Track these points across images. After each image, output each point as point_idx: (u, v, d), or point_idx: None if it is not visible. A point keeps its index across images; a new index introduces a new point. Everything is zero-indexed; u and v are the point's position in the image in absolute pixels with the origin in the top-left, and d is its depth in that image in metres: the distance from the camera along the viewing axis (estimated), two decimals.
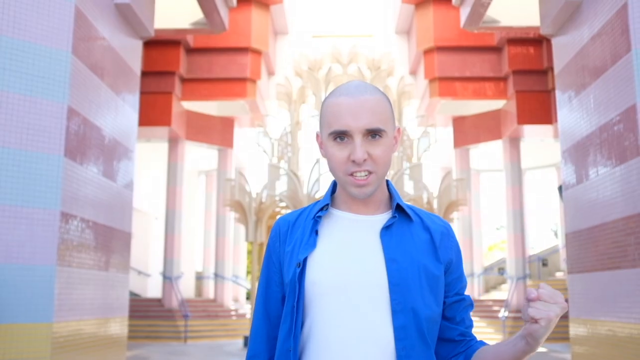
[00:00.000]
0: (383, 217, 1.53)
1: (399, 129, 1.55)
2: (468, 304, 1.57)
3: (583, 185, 9.51)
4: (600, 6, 8.83)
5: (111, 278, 9.66)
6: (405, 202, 1.57)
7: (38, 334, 7.44)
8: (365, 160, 1.43)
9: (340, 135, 1.45)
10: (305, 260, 1.46)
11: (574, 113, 9.87)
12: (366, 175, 1.45)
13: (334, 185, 1.60)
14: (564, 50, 10.35)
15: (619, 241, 8.30)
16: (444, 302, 1.53)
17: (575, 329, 9.94)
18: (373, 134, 1.44)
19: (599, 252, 8.93)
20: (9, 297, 7.23)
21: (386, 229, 1.49)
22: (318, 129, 1.56)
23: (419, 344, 1.42)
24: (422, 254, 1.49)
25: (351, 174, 1.45)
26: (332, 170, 1.50)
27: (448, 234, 1.57)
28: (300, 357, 1.45)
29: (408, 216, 1.54)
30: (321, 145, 1.55)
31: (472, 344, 1.54)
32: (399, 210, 1.54)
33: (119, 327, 10.07)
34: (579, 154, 9.67)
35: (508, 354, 1.40)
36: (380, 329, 1.41)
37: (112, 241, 9.66)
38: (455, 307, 1.54)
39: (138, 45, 11.10)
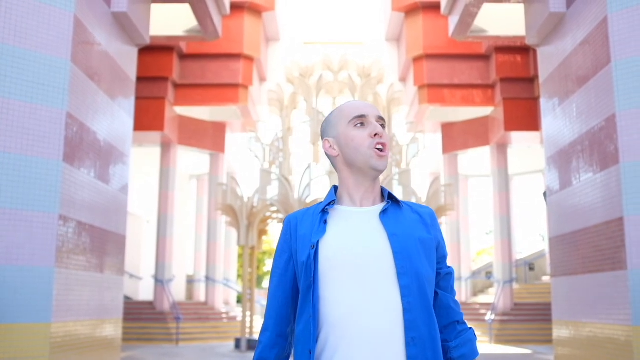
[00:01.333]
0: (379, 207, 1.82)
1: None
2: (448, 272, 1.92)
3: (566, 191, 9.82)
4: (583, 18, 9.16)
5: (107, 280, 9.87)
6: None
7: (37, 333, 7.65)
8: (385, 137, 1.81)
9: (361, 121, 1.81)
10: (317, 243, 1.74)
11: (558, 121, 10.20)
12: (385, 153, 1.79)
13: (335, 188, 1.89)
14: (548, 60, 10.68)
15: (599, 245, 8.61)
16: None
17: (558, 331, 10.25)
18: (382, 123, 1.83)
19: (581, 255, 9.24)
20: (8, 297, 7.43)
21: (384, 212, 1.79)
22: (327, 137, 1.88)
23: (420, 300, 1.70)
24: (416, 229, 1.80)
25: (374, 147, 1.77)
26: (355, 150, 1.79)
27: (434, 216, 1.90)
28: (319, 323, 1.71)
29: (399, 204, 1.85)
30: (331, 148, 1.86)
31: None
32: (391, 200, 1.84)
33: (113, 328, 10.27)
34: (562, 160, 9.98)
35: None
36: (387, 289, 1.69)
37: (107, 244, 9.88)
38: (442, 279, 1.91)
39: (133, 52, 11.33)
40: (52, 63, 8.12)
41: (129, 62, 11.01)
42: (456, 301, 1.91)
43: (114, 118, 10.25)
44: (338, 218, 1.80)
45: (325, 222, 1.78)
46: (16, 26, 7.89)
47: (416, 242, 1.76)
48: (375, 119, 1.82)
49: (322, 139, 1.91)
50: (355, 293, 1.69)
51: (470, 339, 1.86)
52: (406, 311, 1.67)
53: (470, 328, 1.89)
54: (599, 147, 8.62)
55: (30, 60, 7.94)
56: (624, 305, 7.89)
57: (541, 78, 11.00)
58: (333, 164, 1.89)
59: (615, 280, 8.14)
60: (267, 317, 1.86)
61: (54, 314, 7.87)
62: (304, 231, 1.80)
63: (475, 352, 1.84)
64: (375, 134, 1.79)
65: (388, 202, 1.82)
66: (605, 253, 8.44)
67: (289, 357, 1.86)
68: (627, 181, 7.91)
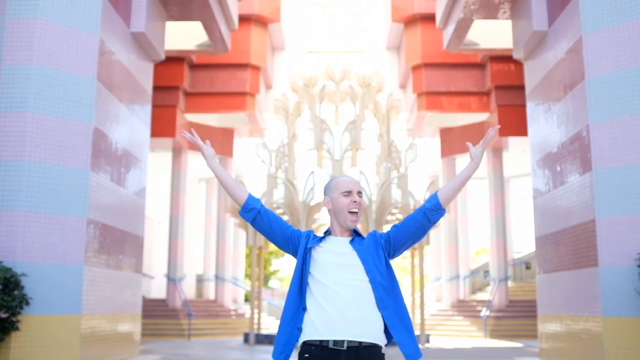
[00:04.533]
0: (349, 238, 2.96)
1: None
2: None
3: (549, 195, 10.68)
4: (562, 37, 10.02)
5: (126, 278, 10.78)
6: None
7: (69, 325, 8.56)
8: (360, 201, 2.92)
9: (347, 192, 2.91)
10: (310, 249, 2.89)
11: (542, 129, 11.06)
12: (357, 211, 2.87)
13: (328, 229, 3.03)
14: (533, 73, 11.55)
15: (576, 245, 9.47)
16: (405, 232, 2.93)
17: (542, 325, 11.10)
18: (360, 194, 2.93)
19: (561, 254, 10.10)
20: (44, 292, 8.35)
21: (352, 240, 2.94)
22: (326, 195, 2.99)
23: (384, 285, 2.81)
24: (371, 247, 2.89)
25: (350, 212, 2.90)
26: (340, 210, 2.92)
27: (377, 233, 2.97)
28: (307, 295, 2.77)
29: (360, 235, 2.90)
30: (328, 203, 2.98)
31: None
32: (356, 233, 2.98)
33: (133, 323, 11.18)
34: (545, 166, 10.84)
35: (464, 174, 2.95)
36: (359, 279, 2.81)
37: (127, 245, 10.79)
38: (407, 220, 2.96)
39: (150, 67, 12.24)
40: (81, 82, 9.04)
41: (145, 76, 11.93)
42: (429, 200, 2.94)
43: (132, 128, 11.16)
44: (327, 241, 2.97)
45: (320, 240, 2.96)
46: (49, 50, 8.81)
47: (372, 254, 2.89)
48: (356, 192, 2.94)
49: (324, 195, 3.04)
50: (336, 278, 2.82)
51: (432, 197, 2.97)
52: (375, 290, 2.81)
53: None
54: (575, 155, 9.48)
55: (61, 79, 8.86)
56: (596, 299, 8.74)
57: (527, 89, 11.86)
58: (328, 212, 3.00)
59: (589, 277, 9.00)
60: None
61: (84, 308, 8.78)
62: (305, 241, 2.93)
63: (435, 196, 2.94)
64: (354, 202, 2.92)
65: (353, 235, 2.97)
66: (581, 252, 9.30)
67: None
68: (599, 186, 8.77)
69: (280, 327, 2.84)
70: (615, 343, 8.41)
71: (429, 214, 2.89)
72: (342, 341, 2.68)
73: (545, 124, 10.86)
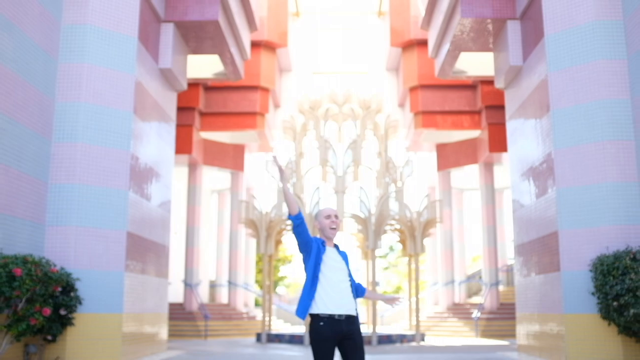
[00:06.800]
0: (335, 248, 4.55)
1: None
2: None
3: (525, 208, 12.21)
4: (533, 73, 11.58)
5: (156, 283, 12.35)
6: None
7: (113, 322, 10.14)
8: (337, 222, 4.50)
9: (327, 216, 4.60)
10: (322, 255, 4.47)
11: (519, 151, 12.59)
12: (335, 228, 4.47)
13: (322, 238, 4.61)
14: (512, 101, 13.10)
15: (545, 252, 11.00)
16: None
17: (519, 325, 12.61)
18: (336, 217, 4.56)
19: (534, 261, 11.62)
20: (92, 294, 9.93)
21: (340, 252, 4.60)
22: (316, 220, 4.63)
23: (351, 284, 4.48)
24: (345, 257, 4.58)
25: (331, 228, 4.59)
26: (324, 227, 4.62)
27: (344, 252, 4.64)
28: (317, 286, 4.41)
29: (337, 247, 4.63)
30: (317, 225, 4.59)
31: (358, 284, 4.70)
32: (337, 246, 4.60)
33: (161, 322, 12.75)
34: (522, 183, 12.37)
35: (374, 297, 4.82)
36: (346, 276, 4.56)
37: (156, 253, 12.36)
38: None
39: (174, 96, 13.85)
40: (120, 115, 10.65)
41: (170, 105, 13.54)
42: (360, 290, 4.79)
43: (159, 150, 12.75)
44: (327, 249, 4.61)
45: (325, 247, 4.52)
46: (94, 89, 10.43)
47: (346, 260, 4.66)
48: (334, 216, 4.63)
49: (315, 220, 4.63)
50: (336, 276, 4.49)
51: (358, 285, 4.72)
52: (352, 287, 4.46)
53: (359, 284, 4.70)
54: (544, 175, 11.02)
55: (105, 114, 10.47)
56: (559, 299, 10.27)
57: (507, 114, 13.40)
58: (319, 230, 4.60)
59: (553, 280, 10.53)
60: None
61: (125, 307, 10.36)
62: (317, 248, 4.51)
63: (361, 287, 4.75)
64: (332, 222, 4.61)
65: (336, 246, 4.61)
66: (548, 258, 10.83)
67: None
68: (561, 203, 10.31)
69: (302, 298, 4.47)
70: (575, 336, 9.92)
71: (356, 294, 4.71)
72: (342, 315, 4.40)
73: (522, 146, 12.39)
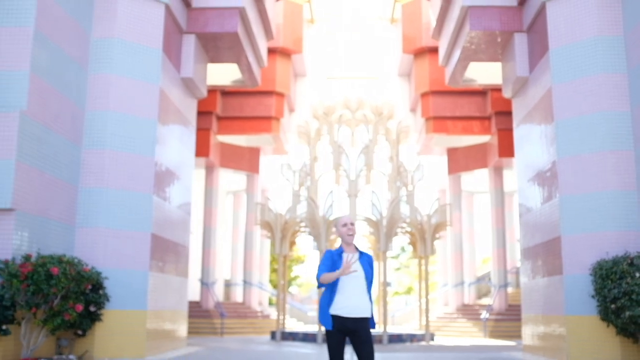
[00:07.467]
0: (356, 253, 5.08)
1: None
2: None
3: (531, 213, 12.70)
4: (538, 84, 12.08)
5: (177, 281, 12.97)
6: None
7: (138, 318, 10.76)
8: (352, 229, 5.08)
9: (345, 224, 5.17)
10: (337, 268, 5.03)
11: (526, 158, 13.08)
12: (352, 235, 5.06)
13: (341, 246, 5.16)
14: (519, 109, 13.60)
15: (548, 256, 11.51)
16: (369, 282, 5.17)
17: (525, 326, 13.11)
18: (352, 224, 5.12)
19: (538, 264, 12.13)
20: (119, 291, 10.56)
21: (360, 258, 5.10)
22: (335, 228, 5.22)
23: (368, 287, 5.02)
24: (365, 262, 5.04)
25: (348, 235, 5.17)
26: (342, 235, 5.21)
27: (370, 257, 5.15)
28: (336, 293, 5.00)
29: (359, 251, 5.10)
30: (336, 233, 5.27)
31: None
32: (359, 251, 5.10)
33: (181, 319, 13.37)
34: (528, 189, 12.87)
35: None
36: (363, 286, 5.08)
37: (177, 253, 12.98)
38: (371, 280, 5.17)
39: (194, 103, 14.47)
40: (145, 123, 11.28)
41: (191, 111, 14.15)
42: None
43: (180, 154, 13.36)
44: (344, 256, 5.08)
45: (340, 255, 5.06)
46: (121, 98, 11.06)
47: (366, 265, 5.05)
48: (350, 224, 5.12)
49: (335, 228, 5.16)
50: (352, 285, 5.02)
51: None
52: (368, 293, 4.97)
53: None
54: (548, 182, 11.52)
55: (131, 122, 11.10)
56: (561, 301, 10.77)
57: (514, 123, 13.90)
58: (338, 237, 5.18)
59: (556, 283, 11.04)
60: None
61: (149, 305, 10.98)
62: (333, 259, 5.04)
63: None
64: (349, 229, 5.10)
65: (357, 251, 5.06)
66: (552, 262, 11.33)
67: None
68: (563, 209, 10.81)
69: (322, 307, 5.05)
70: (576, 337, 10.42)
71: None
72: (358, 316, 4.99)
73: (528, 153, 12.89)
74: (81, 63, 10.85)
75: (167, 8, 11.99)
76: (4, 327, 8.20)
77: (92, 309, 9.70)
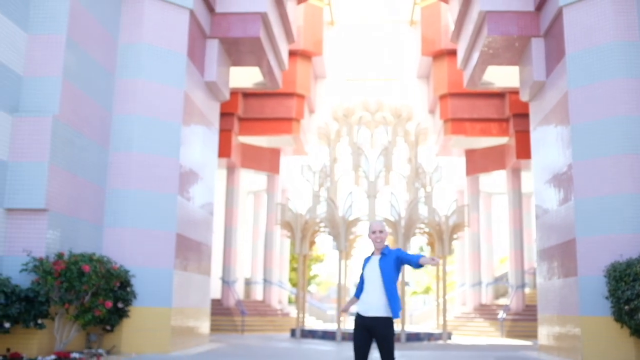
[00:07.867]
0: (379, 256, 5.47)
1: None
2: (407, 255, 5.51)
3: (547, 216, 12.90)
4: (555, 88, 12.28)
5: (200, 279, 13.34)
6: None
7: (163, 315, 11.14)
8: (380, 236, 5.47)
9: (374, 231, 5.59)
10: (364, 268, 5.47)
11: (542, 161, 13.27)
12: (380, 242, 5.48)
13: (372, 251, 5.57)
14: (536, 113, 13.78)
15: (564, 257, 11.70)
16: (407, 262, 5.44)
17: (540, 326, 13.30)
18: (381, 232, 5.57)
19: (554, 265, 12.32)
20: (145, 289, 10.95)
21: (380, 259, 5.46)
22: (368, 233, 5.59)
23: (387, 285, 5.36)
24: (391, 265, 5.39)
25: (376, 242, 5.58)
26: (372, 241, 5.62)
27: (391, 250, 5.48)
28: (362, 291, 5.44)
29: (384, 254, 5.44)
30: (368, 238, 5.52)
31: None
32: (383, 253, 5.45)
33: (204, 317, 13.74)
34: (545, 192, 13.06)
35: (421, 261, 5.33)
36: (380, 286, 5.43)
37: (200, 252, 13.35)
38: (406, 256, 5.46)
39: (217, 105, 14.83)
40: (171, 127, 11.66)
41: (214, 114, 14.52)
42: (417, 257, 5.36)
43: (205, 157, 13.72)
44: (371, 258, 5.57)
45: (369, 259, 5.46)
46: (148, 102, 11.45)
47: (389, 272, 5.37)
48: (378, 231, 5.49)
49: (368, 234, 5.52)
50: (373, 285, 5.44)
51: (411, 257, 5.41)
52: (386, 293, 5.32)
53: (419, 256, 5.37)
54: (564, 185, 11.72)
55: (157, 125, 11.48)
56: (576, 301, 10.97)
57: (531, 126, 14.08)
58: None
59: (571, 284, 11.23)
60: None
61: (173, 302, 11.36)
62: (364, 264, 5.49)
63: (414, 259, 5.34)
64: (377, 237, 5.51)
65: (382, 253, 5.42)
66: (567, 263, 11.53)
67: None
68: (578, 212, 11.01)
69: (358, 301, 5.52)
70: (590, 337, 10.62)
71: (415, 265, 5.35)
72: (371, 315, 5.33)
73: (545, 156, 13.08)
74: (109, 68, 11.25)
75: (192, 14, 12.36)
76: (39, 321, 8.61)
77: (120, 305, 10.09)
